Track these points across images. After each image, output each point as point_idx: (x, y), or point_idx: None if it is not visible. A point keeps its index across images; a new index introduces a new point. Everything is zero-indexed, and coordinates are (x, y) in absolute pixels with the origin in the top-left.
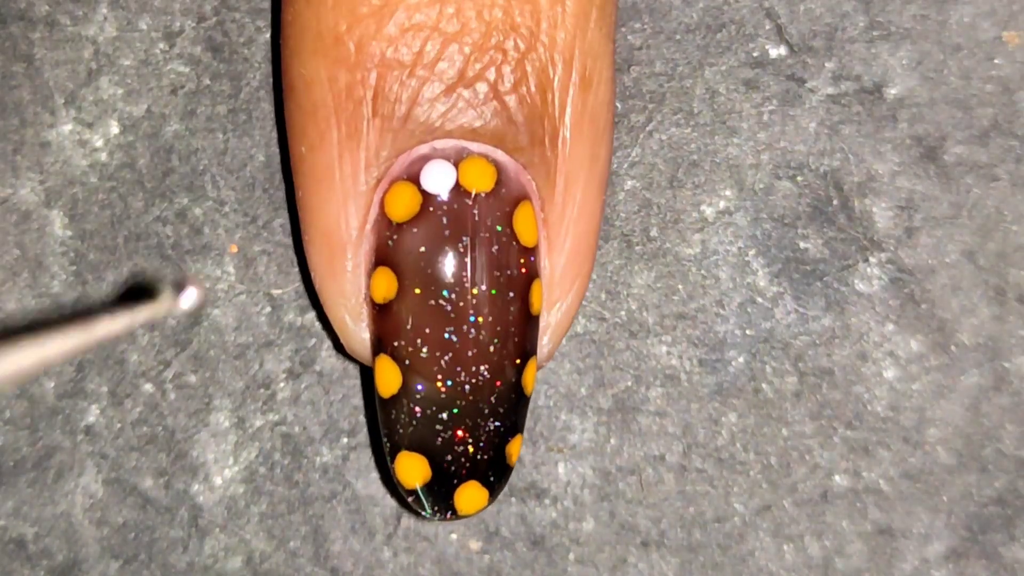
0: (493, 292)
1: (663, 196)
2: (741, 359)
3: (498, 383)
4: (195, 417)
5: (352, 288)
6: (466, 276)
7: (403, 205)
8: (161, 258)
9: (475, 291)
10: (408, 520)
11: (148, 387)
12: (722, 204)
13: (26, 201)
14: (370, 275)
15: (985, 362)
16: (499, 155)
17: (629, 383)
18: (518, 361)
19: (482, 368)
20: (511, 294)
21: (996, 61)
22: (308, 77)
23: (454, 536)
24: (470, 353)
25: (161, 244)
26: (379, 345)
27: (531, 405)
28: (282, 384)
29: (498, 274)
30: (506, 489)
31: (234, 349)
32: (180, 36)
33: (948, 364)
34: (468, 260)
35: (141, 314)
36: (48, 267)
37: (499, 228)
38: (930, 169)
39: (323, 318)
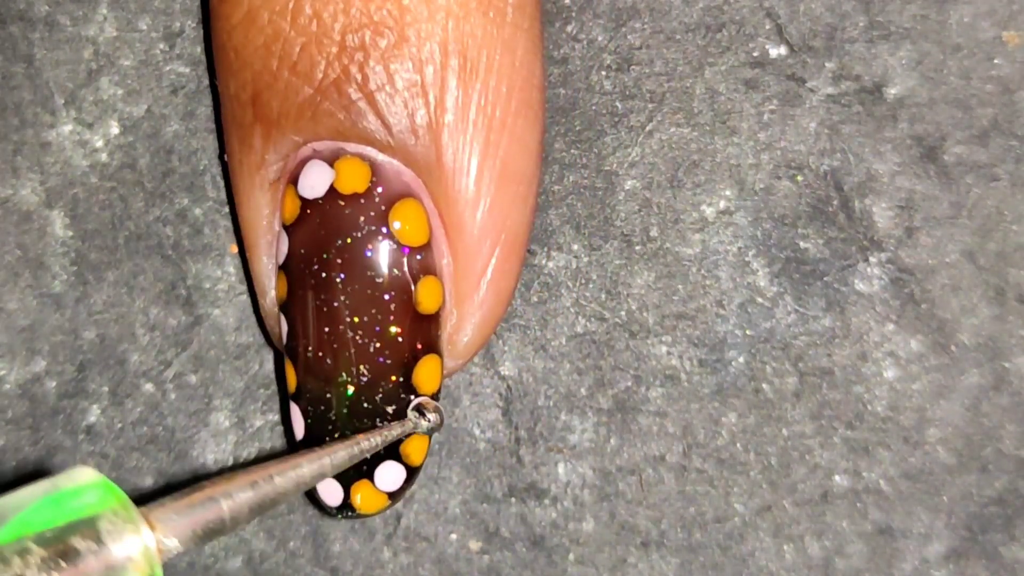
0: (369, 292)
1: (663, 196)
2: (741, 359)
3: (382, 383)
4: (195, 417)
5: (267, 288)
6: (340, 277)
7: (288, 208)
8: (161, 258)
9: (349, 291)
10: (408, 520)
11: (149, 387)
12: (722, 204)
13: (27, 201)
14: (277, 277)
15: (985, 362)
16: (373, 153)
17: (629, 383)
18: (406, 361)
19: (363, 368)
20: (391, 294)
21: (996, 61)
22: (219, 89)
23: (454, 536)
24: (348, 354)
25: (161, 244)
26: (284, 345)
27: (531, 405)
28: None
29: (372, 274)
30: (506, 489)
31: (234, 349)
32: (180, 36)
33: (948, 364)
34: (341, 261)
35: (393, 431)
36: (49, 267)
37: (373, 228)
38: (930, 169)
39: None
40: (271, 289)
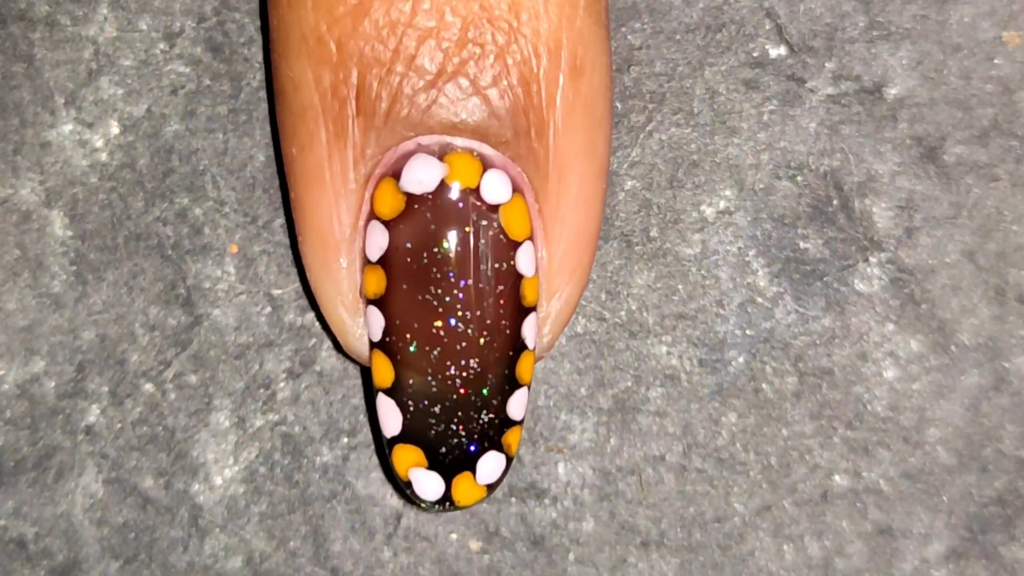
0: (480, 286)
1: (663, 196)
2: (741, 359)
3: (490, 376)
4: (195, 417)
5: (348, 286)
6: (452, 272)
7: (389, 202)
8: (161, 258)
9: (462, 286)
10: (408, 520)
11: (148, 387)
12: (722, 204)
13: (26, 201)
14: (363, 272)
15: (985, 362)
16: (484, 149)
17: (629, 383)
18: (511, 354)
19: (472, 362)
20: (500, 288)
21: (996, 61)
22: (296, 79)
23: (454, 536)
24: (459, 347)
25: (161, 244)
26: (373, 341)
27: (531, 405)
28: (282, 384)
29: (484, 268)
30: (506, 489)
31: (234, 349)
32: (180, 36)
33: (948, 364)
34: (453, 256)
35: None
36: (48, 267)
37: (484, 222)
38: (930, 169)
39: (323, 318)
40: (355, 287)
